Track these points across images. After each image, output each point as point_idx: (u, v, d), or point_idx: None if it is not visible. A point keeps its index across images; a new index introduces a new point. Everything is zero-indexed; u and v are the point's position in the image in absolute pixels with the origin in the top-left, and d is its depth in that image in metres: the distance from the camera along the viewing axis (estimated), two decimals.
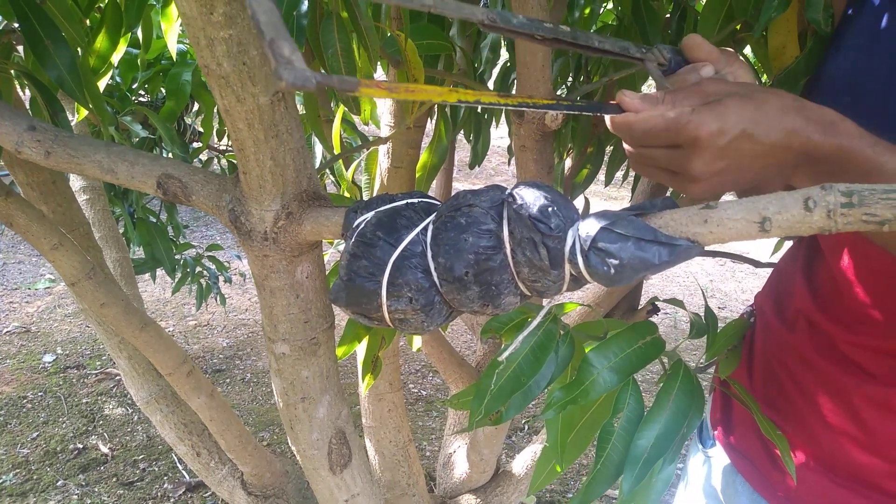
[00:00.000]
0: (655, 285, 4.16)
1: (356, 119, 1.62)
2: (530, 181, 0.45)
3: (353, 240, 0.48)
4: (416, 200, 0.49)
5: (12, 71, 0.81)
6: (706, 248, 0.42)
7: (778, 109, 0.46)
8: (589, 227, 0.41)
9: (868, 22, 0.59)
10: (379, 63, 1.03)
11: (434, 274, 0.46)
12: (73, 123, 1.22)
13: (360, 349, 0.95)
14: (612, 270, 0.40)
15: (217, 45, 0.46)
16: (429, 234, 0.46)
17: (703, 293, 0.64)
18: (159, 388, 1.13)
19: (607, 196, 5.93)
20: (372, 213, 0.49)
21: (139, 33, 1.03)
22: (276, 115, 0.51)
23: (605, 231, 0.40)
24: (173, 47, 0.91)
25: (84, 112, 1.03)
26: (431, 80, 0.90)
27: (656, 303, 1.28)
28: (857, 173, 0.47)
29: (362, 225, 0.49)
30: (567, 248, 0.42)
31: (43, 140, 0.59)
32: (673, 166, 0.49)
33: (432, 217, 0.47)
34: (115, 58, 0.87)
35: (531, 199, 0.43)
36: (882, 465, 0.61)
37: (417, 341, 1.28)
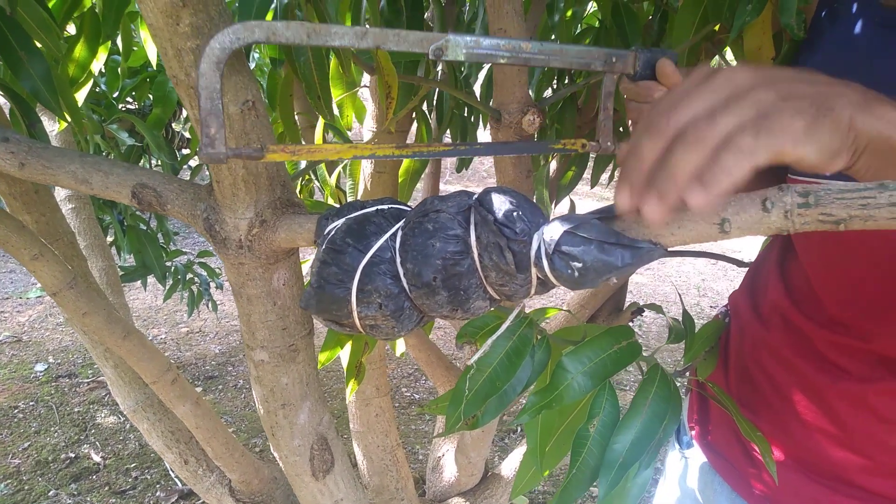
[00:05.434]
0: (647, 284, 4.17)
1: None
2: (497, 187, 0.45)
3: (323, 247, 0.48)
4: (386, 207, 0.49)
5: None
6: (700, 249, 0.42)
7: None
8: (553, 232, 0.41)
9: (842, 28, 0.59)
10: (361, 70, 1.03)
11: (403, 280, 0.46)
12: (55, 133, 1.22)
13: (344, 354, 0.95)
14: (577, 273, 0.40)
15: (184, 55, 0.47)
16: (397, 240, 0.46)
17: (680, 298, 0.64)
18: (145, 397, 1.12)
19: (601, 197, 5.94)
20: (342, 220, 0.49)
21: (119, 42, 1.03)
22: (246, 123, 0.51)
23: (569, 235, 0.41)
24: (153, 56, 0.91)
25: (64, 123, 1.03)
26: (409, 87, 0.90)
27: (641, 305, 1.28)
28: None
29: (332, 232, 0.49)
30: (532, 253, 0.42)
31: (17, 151, 0.59)
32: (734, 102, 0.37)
33: (401, 223, 0.47)
34: (95, 66, 0.87)
35: (497, 204, 0.43)
36: (857, 460, 0.62)
37: (401, 346, 1.28)
